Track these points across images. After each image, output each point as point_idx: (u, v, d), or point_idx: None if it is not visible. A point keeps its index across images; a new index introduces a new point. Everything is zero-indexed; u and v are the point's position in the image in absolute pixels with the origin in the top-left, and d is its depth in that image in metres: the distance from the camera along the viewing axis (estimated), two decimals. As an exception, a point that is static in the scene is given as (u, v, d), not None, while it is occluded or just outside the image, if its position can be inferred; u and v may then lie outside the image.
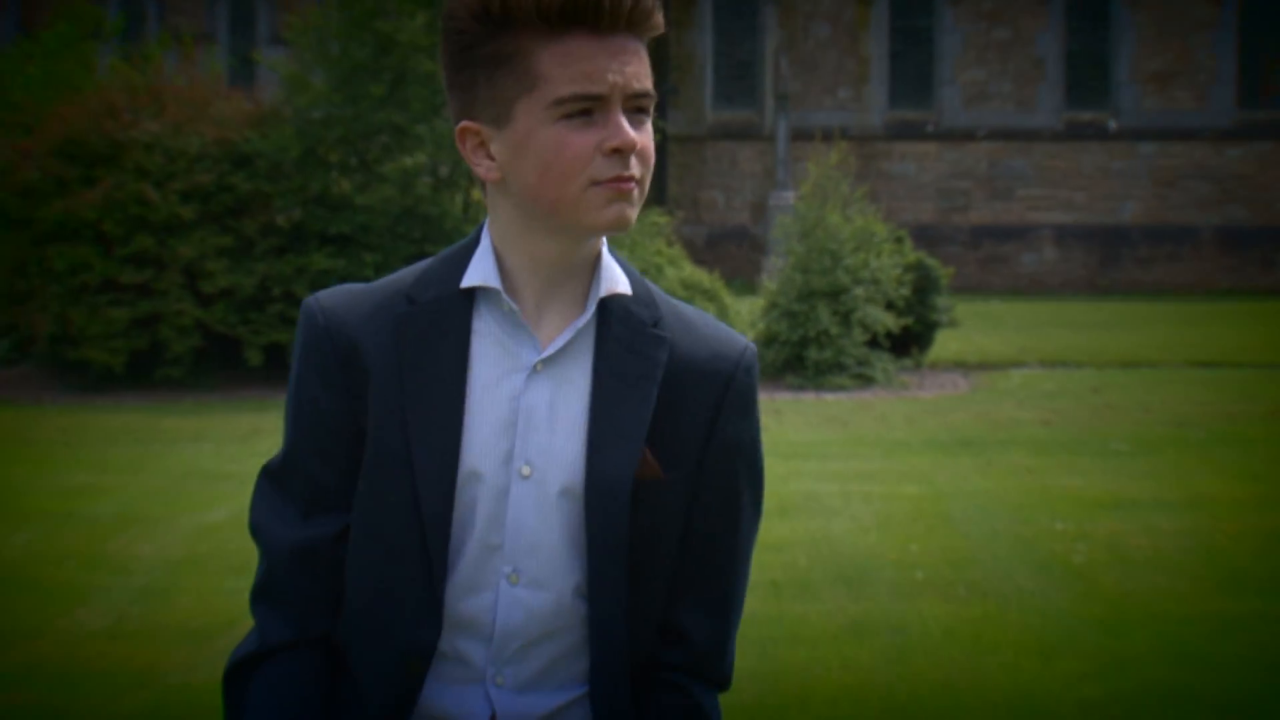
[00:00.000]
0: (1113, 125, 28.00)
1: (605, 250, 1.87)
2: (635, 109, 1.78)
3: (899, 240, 16.78)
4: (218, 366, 15.62)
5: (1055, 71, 28.01)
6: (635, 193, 1.78)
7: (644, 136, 1.78)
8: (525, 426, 1.82)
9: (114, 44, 20.80)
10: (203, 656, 6.34)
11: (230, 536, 8.23)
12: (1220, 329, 20.65)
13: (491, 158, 1.82)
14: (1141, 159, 27.88)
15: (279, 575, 1.88)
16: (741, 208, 28.36)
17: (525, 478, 1.82)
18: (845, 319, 15.59)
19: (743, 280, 22.85)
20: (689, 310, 1.97)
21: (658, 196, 26.35)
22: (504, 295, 1.81)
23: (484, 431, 1.82)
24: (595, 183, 1.75)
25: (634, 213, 1.79)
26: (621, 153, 1.75)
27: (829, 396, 15.00)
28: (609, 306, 1.85)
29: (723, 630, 1.96)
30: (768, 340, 15.80)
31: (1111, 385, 15.66)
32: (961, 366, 17.11)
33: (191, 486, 10.42)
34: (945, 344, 17.43)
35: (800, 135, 25.24)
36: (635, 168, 1.77)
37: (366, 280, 2.16)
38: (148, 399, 14.81)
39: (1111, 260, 27.76)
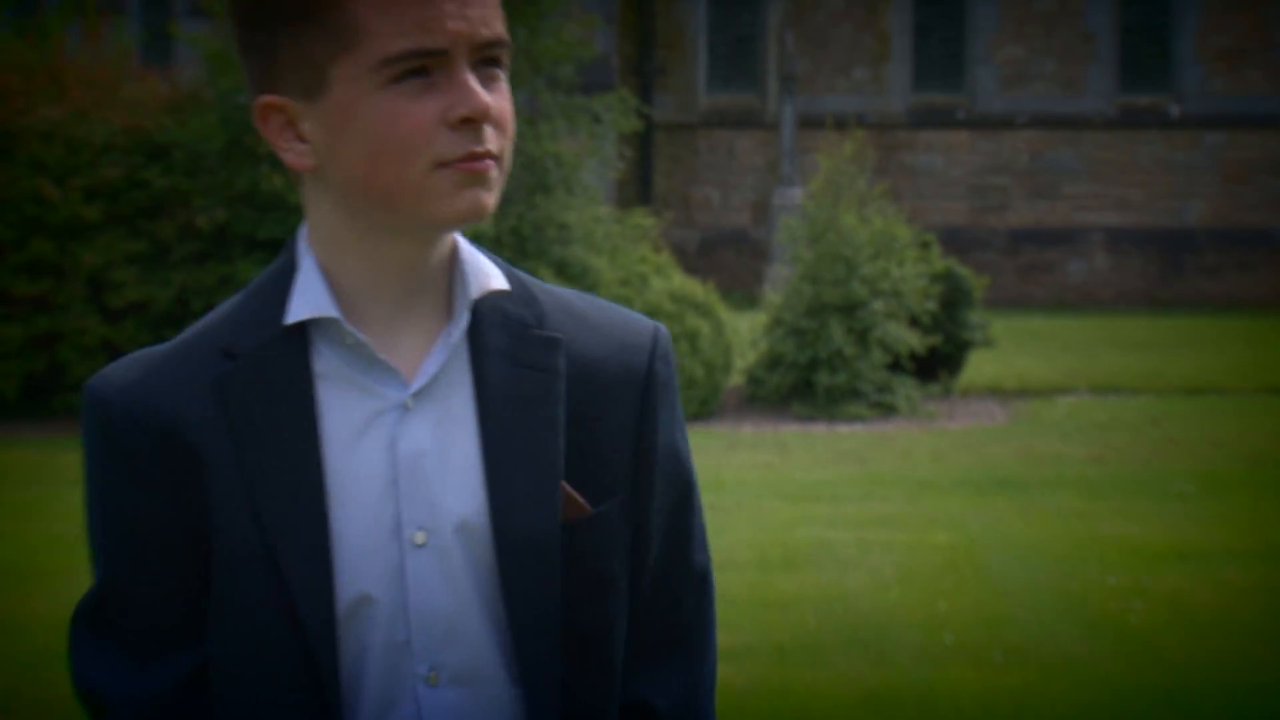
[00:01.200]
0: (1175, 111, 28.08)
1: (461, 241, 1.73)
2: (485, 62, 1.63)
3: (925, 245, 16.80)
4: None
5: (1107, 48, 28.09)
6: (493, 172, 1.64)
7: (499, 98, 1.64)
8: (410, 482, 1.67)
9: (5, 17, 20.78)
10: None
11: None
12: (1300, 349, 20.70)
13: (303, 140, 1.67)
14: (1208, 150, 27.95)
15: None
16: (740, 207, 28.39)
17: (420, 546, 1.67)
18: (862, 338, 15.61)
19: (742, 292, 22.87)
20: (575, 298, 1.83)
21: (642, 194, 26.37)
22: (344, 324, 1.65)
23: (358, 500, 1.67)
24: (441, 164, 1.61)
25: (492, 199, 1.65)
26: (473, 122, 1.60)
27: (843, 428, 15.01)
28: (479, 310, 1.71)
29: (697, 691, 1.84)
30: (771, 362, 15.82)
31: (1174, 415, 15.69)
32: (998, 393, 17.14)
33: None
34: (979, 367, 17.46)
35: (809, 123, 25.26)
36: (491, 140, 1.63)
37: None
38: (45, 430, 14.75)
39: (1173, 269, 27.81)
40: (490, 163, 1.63)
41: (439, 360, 1.68)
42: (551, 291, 1.81)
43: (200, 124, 15.68)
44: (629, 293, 14.67)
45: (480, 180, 1.62)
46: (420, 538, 1.67)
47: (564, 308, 1.78)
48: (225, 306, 1.79)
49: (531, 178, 15.87)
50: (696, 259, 25.33)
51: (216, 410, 1.68)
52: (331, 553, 1.66)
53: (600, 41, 20.40)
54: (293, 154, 1.67)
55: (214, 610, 1.69)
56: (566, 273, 15.10)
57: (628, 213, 17.59)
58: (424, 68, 1.60)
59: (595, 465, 1.73)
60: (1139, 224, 27.89)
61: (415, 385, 1.67)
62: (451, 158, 1.61)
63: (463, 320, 1.69)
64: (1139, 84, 28.06)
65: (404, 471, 1.67)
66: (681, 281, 16.56)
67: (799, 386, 15.67)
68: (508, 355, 1.71)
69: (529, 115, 16.15)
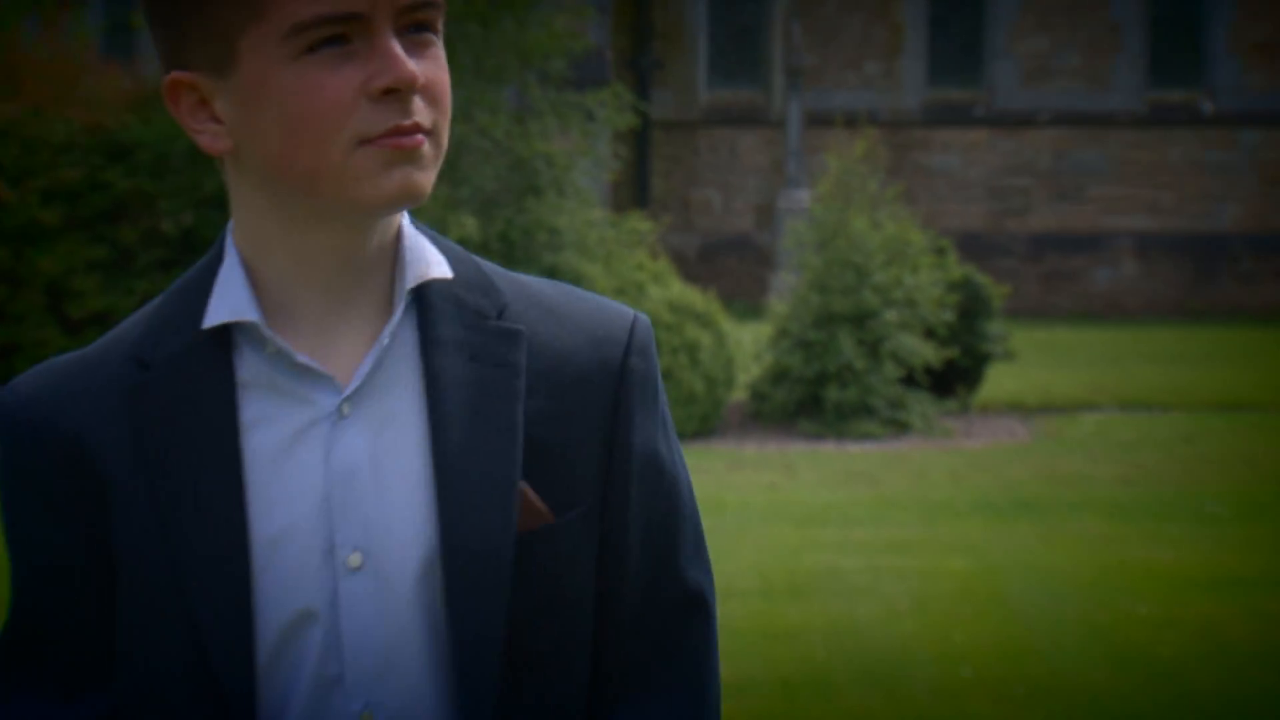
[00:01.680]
0: (1208, 108, 28.11)
1: (407, 224, 1.66)
2: (413, 26, 1.56)
3: (940, 251, 16.82)
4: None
5: (1136, 40, 28.12)
6: (426, 148, 1.56)
7: (430, 66, 1.56)
8: (344, 497, 1.59)
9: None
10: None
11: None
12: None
13: (218, 120, 1.60)
14: (1244, 150, 27.98)
15: None
16: (743, 210, 28.41)
17: (356, 570, 1.59)
18: (873, 350, 15.62)
19: (745, 301, 22.89)
20: (546, 287, 1.76)
21: (639, 197, 26.37)
22: (263, 329, 1.58)
23: (285, 522, 1.59)
24: (364, 141, 1.52)
25: (427, 178, 1.57)
26: (398, 93, 1.52)
27: (854, 447, 15.02)
28: (427, 301, 1.64)
29: None
30: (777, 376, 15.83)
31: (1207, 433, 15.71)
32: (1019, 409, 17.15)
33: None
34: (999, 381, 17.47)
35: (817, 120, 25.31)
36: (421, 113, 1.55)
37: None
38: None
39: (1206, 277, 27.83)
40: (421, 137, 1.55)
41: (373, 360, 1.60)
42: (517, 280, 1.74)
43: (165, 122, 15.67)
44: (624, 301, 14.69)
45: (410, 157, 1.54)
46: (355, 560, 1.58)
47: (529, 297, 1.71)
48: (146, 309, 1.70)
49: (520, 179, 15.88)
50: (696, 266, 25.35)
51: (127, 426, 1.61)
52: (253, 582, 1.58)
53: (593, 33, 20.40)
54: (206, 136, 1.61)
55: (123, 648, 1.63)
56: (558, 280, 15.15)
57: (623, 216, 17.59)
58: (341, 35, 1.52)
59: (560, 470, 1.65)
60: (1170, 228, 27.90)
61: (350, 388, 1.59)
62: (374, 133, 1.53)
63: (397, 312, 1.61)
64: (1170, 79, 28.08)
65: (337, 486, 1.59)
66: (680, 290, 16.56)
67: (806, 402, 15.68)
68: (462, 350, 1.64)
69: (517, 112, 16.17)
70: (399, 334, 1.62)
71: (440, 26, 1.60)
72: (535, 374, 1.66)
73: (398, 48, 1.52)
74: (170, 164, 15.74)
